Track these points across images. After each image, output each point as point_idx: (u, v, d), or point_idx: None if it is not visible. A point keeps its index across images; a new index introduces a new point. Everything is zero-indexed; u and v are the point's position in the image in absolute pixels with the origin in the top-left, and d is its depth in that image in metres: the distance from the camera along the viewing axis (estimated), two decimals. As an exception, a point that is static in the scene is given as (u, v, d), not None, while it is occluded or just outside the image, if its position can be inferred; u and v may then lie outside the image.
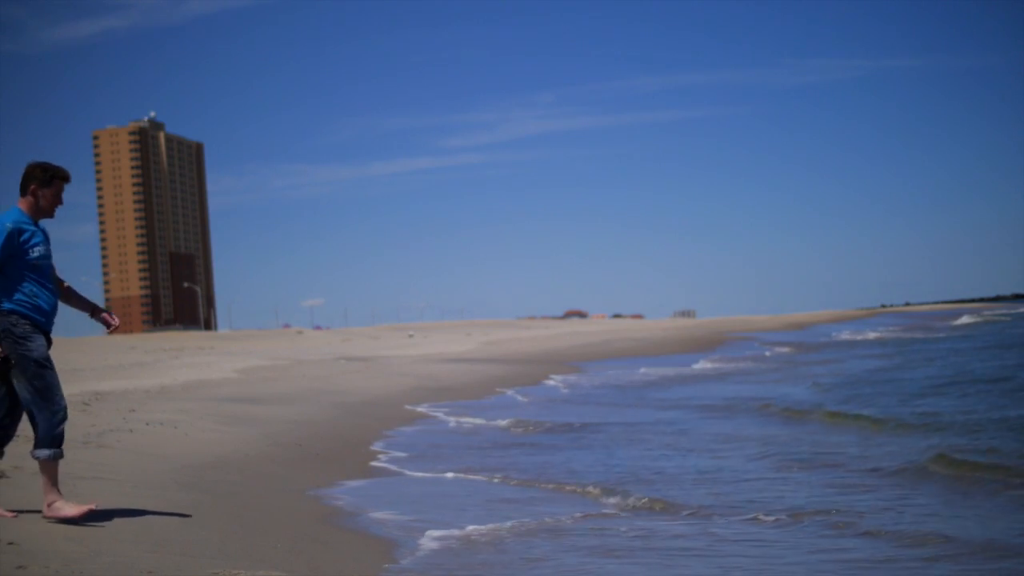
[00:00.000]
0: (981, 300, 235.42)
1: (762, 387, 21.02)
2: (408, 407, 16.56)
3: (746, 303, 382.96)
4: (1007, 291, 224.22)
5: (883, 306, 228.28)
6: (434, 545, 6.44)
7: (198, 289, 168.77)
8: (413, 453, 11.28)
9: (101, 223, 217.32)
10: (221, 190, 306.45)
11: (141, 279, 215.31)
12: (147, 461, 8.84)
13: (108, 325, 6.25)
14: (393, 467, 10.20)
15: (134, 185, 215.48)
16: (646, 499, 8.21)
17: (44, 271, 5.98)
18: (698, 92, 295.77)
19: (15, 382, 5.88)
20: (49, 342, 5.98)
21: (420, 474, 9.76)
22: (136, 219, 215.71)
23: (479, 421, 14.79)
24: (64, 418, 5.96)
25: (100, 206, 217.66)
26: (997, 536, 6.56)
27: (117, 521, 6.05)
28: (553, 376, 25.64)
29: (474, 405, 17.64)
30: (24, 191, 5.99)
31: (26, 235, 5.89)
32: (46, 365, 5.85)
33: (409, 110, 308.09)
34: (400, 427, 13.83)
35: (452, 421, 14.81)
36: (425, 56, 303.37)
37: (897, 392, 17.72)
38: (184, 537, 5.86)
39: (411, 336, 67.77)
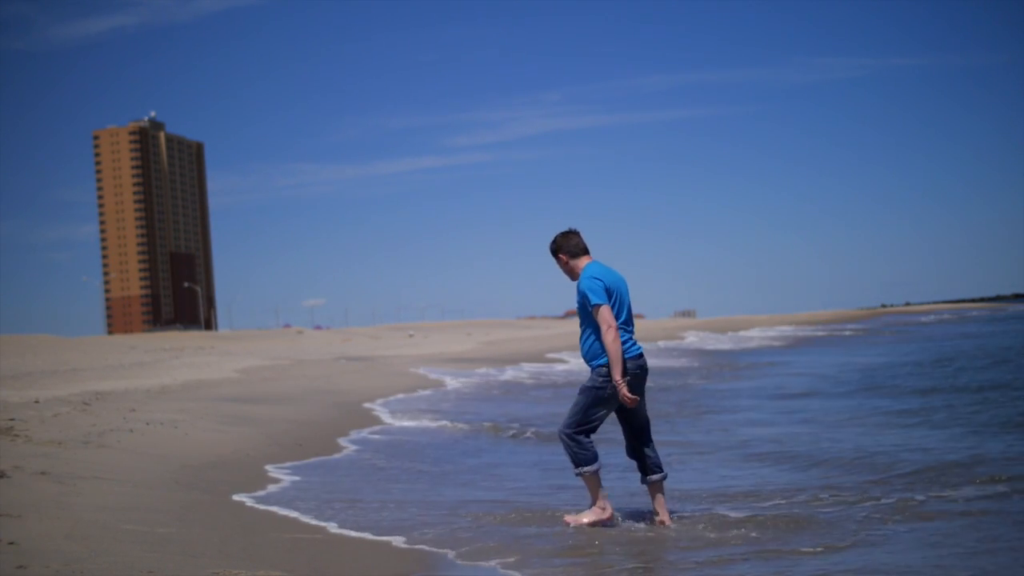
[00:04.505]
0: (981, 300, 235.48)
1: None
2: (412, 407, 16.55)
3: (747, 303, 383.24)
4: (1007, 291, 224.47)
5: (883, 306, 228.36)
6: (435, 540, 6.43)
7: (198, 289, 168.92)
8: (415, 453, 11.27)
9: (101, 223, 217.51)
10: (224, 189, 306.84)
11: (141, 279, 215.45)
12: (147, 461, 8.84)
13: None
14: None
15: (134, 185, 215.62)
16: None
17: None
18: (705, 91, 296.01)
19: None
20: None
21: (422, 473, 9.74)
22: (136, 219, 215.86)
23: (484, 424, 14.78)
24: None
25: (100, 206, 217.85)
26: None
27: (117, 521, 6.05)
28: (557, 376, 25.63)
29: (476, 408, 17.63)
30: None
31: None
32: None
33: (415, 109, 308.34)
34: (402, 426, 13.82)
35: (452, 423, 14.79)
36: (431, 54, 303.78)
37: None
38: (184, 537, 5.85)
39: (411, 336, 67.81)
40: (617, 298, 6.81)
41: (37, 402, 13.13)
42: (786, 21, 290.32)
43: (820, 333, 61.10)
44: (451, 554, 6.08)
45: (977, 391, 15.59)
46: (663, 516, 6.84)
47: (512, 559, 5.92)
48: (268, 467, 9.47)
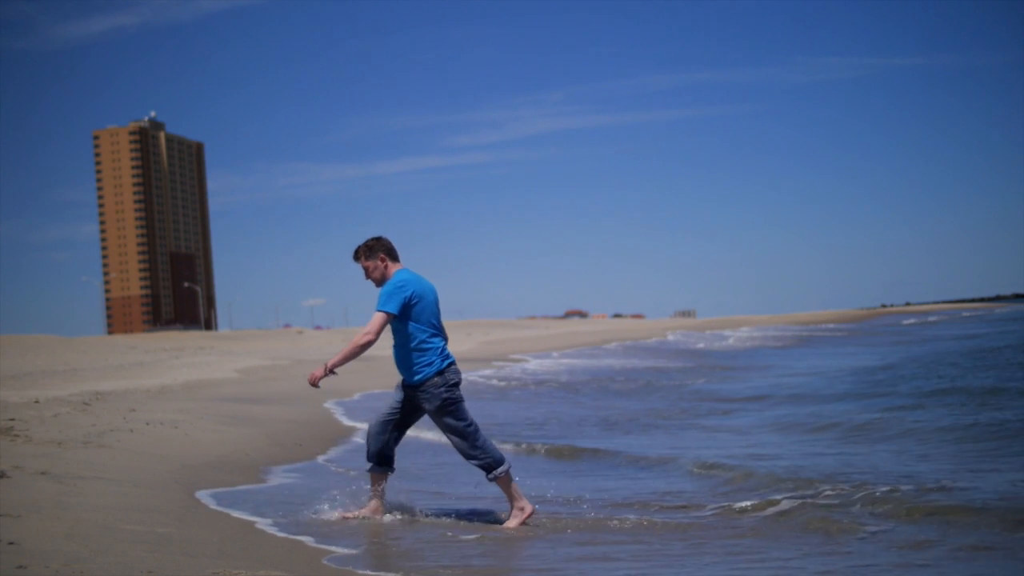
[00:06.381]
0: (981, 300, 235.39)
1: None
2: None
3: (747, 303, 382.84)
4: (1007, 291, 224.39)
5: (883, 306, 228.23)
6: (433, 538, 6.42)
7: (198, 289, 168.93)
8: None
9: (101, 223, 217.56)
10: (225, 189, 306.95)
11: (141, 279, 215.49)
12: (147, 461, 8.84)
13: None
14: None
15: (134, 185, 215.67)
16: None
17: None
18: (705, 91, 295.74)
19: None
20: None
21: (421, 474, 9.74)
22: (136, 219, 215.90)
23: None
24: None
25: (100, 206, 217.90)
26: None
27: (117, 521, 6.04)
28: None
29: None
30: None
31: None
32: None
33: (416, 108, 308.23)
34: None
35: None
36: (432, 54, 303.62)
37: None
38: (184, 537, 5.85)
39: (411, 336, 67.63)
40: (424, 306, 6.78)
41: (37, 402, 13.13)
42: (786, 21, 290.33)
43: (803, 334, 60.97)
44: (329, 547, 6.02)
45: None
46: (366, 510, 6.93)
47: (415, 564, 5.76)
48: (272, 468, 9.47)
